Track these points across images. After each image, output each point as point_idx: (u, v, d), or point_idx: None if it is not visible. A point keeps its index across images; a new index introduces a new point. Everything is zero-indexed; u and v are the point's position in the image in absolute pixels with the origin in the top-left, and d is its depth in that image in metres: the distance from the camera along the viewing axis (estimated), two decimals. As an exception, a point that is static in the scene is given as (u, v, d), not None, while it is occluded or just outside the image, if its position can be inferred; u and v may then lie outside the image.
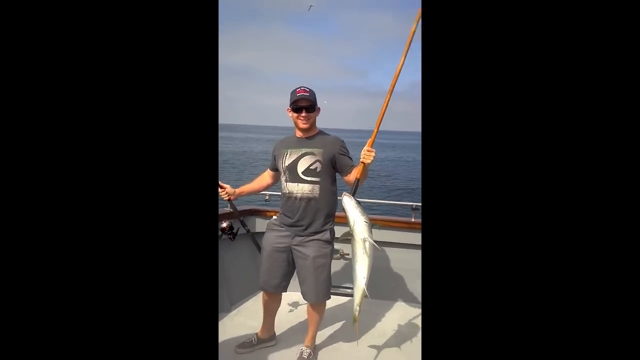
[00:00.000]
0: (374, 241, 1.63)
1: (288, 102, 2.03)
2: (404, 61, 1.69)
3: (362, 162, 1.77)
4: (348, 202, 1.66)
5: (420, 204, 2.75)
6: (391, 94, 1.74)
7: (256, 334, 2.26)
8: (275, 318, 2.32)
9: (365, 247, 1.63)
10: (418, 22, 1.59)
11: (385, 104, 1.76)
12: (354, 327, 1.82)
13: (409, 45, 1.64)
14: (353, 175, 1.87)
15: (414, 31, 1.59)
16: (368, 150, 1.75)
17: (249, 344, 2.22)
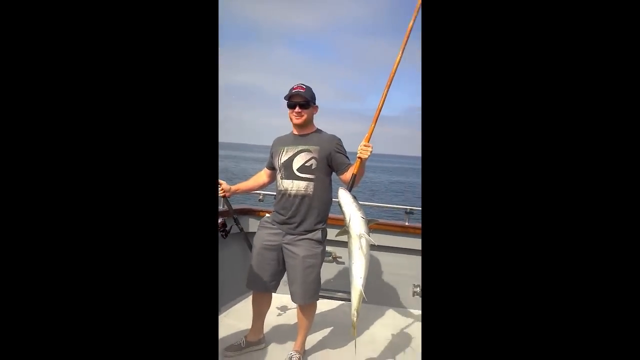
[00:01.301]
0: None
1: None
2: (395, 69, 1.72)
3: (359, 158, 1.74)
4: (344, 196, 1.62)
5: (416, 207, 2.75)
6: (386, 95, 1.76)
7: (245, 336, 2.20)
8: (265, 321, 2.26)
9: (361, 245, 1.57)
10: (404, 47, 1.67)
11: (381, 101, 1.76)
12: (351, 332, 1.70)
13: (397, 65, 1.71)
14: (349, 174, 1.83)
15: (404, 47, 1.66)
16: (365, 145, 1.73)
17: (237, 346, 2.15)
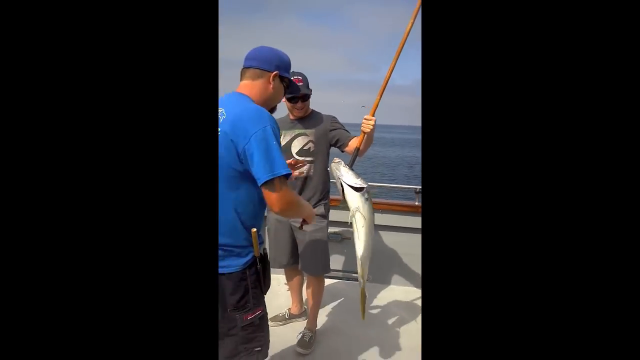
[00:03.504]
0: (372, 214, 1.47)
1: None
2: (402, 48, 1.58)
3: (362, 132, 1.69)
4: (336, 168, 1.48)
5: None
6: (392, 69, 1.64)
7: (288, 309, 2.36)
8: (279, 300, 2.37)
9: (356, 220, 1.46)
10: (416, 16, 1.50)
11: (388, 74, 1.65)
12: (360, 305, 1.64)
13: (407, 35, 1.55)
14: (353, 145, 1.79)
15: (412, 24, 1.50)
16: (366, 119, 1.65)
17: (281, 317, 2.32)
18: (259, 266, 1.33)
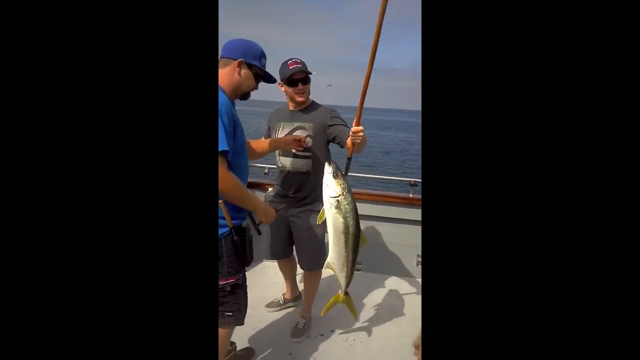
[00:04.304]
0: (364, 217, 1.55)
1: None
2: (378, 36, 1.42)
3: (353, 143, 1.64)
4: (325, 176, 1.53)
5: (419, 180, 2.77)
6: (371, 68, 1.47)
7: (283, 294, 2.42)
8: (272, 289, 2.41)
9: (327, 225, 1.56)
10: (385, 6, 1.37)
11: (366, 78, 1.51)
12: (349, 309, 1.79)
13: (381, 19, 1.37)
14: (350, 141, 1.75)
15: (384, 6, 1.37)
16: (354, 131, 1.58)
17: (276, 303, 2.38)
18: (235, 237, 1.42)
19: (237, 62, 1.44)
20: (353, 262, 1.63)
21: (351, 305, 1.79)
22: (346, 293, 1.74)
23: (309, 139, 1.98)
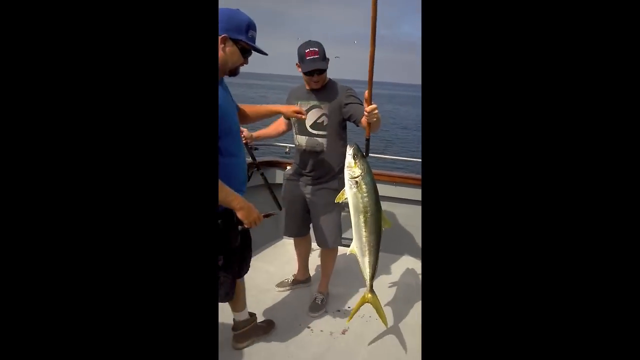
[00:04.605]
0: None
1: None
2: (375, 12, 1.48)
3: (369, 123, 1.67)
4: (346, 157, 1.56)
5: None
6: (373, 44, 1.51)
7: (293, 275, 2.47)
8: (290, 266, 2.48)
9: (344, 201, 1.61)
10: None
11: (371, 54, 1.53)
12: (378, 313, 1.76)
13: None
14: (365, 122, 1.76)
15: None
16: (368, 111, 1.60)
17: (285, 283, 2.44)
18: (219, 221, 1.41)
19: (220, 37, 1.34)
20: (376, 247, 1.61)
21: (379, 307, 1.71)
22: (372, 291, 1.68)
23: (324, 117, 2.00)
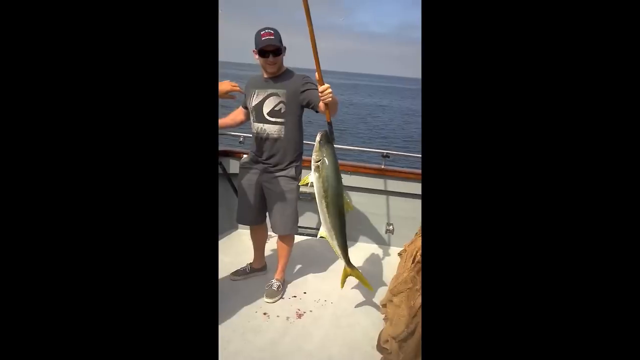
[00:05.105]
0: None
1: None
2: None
3: (324, 103, 1.74)
4: (316, 142, 1.69)
5: (392, 152, 2.91)
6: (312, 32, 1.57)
7: (249, 264, 2.46)
8: (245, 256, 2.48)
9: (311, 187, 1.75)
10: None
11: (311, 37, 1.59)
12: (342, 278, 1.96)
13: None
14: (323, 107, 1.82)
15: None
16: (321, 91, 1.67)
17: (242, 271, 2.42)
18: None
19: None
20: (341, 229, 1.75)
21: (361, 277, 1.92)
22: (350, 265, 1.86)
23: (281, 105, 2.03)
